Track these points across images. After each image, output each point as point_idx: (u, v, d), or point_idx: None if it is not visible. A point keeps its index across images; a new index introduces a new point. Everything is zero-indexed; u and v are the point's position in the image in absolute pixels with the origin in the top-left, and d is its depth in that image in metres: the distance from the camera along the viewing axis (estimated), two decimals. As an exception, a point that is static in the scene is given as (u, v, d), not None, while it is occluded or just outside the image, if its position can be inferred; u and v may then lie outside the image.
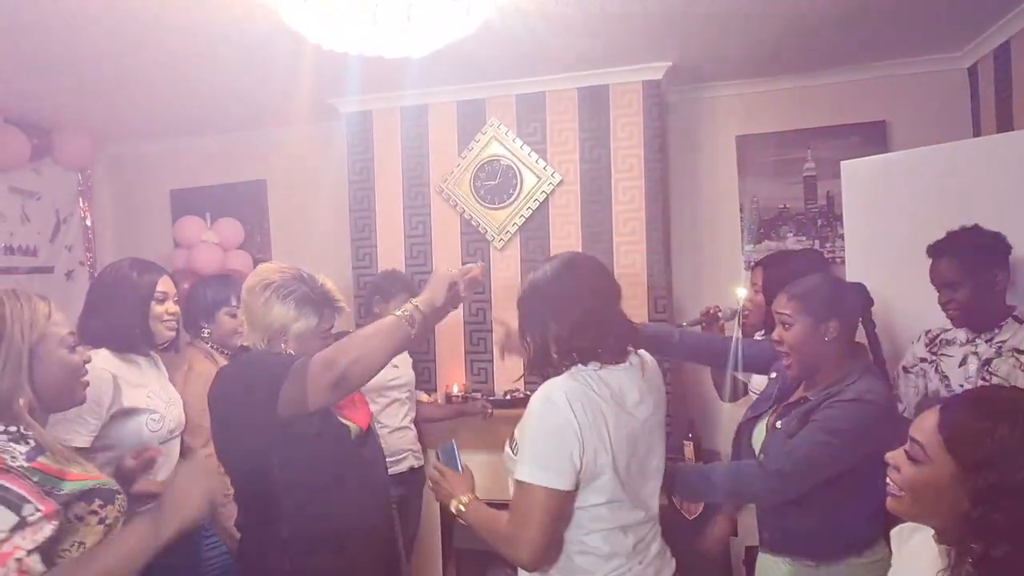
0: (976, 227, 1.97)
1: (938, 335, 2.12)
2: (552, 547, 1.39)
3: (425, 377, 3.32)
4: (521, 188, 3.19)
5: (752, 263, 2.65)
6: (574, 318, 1.43)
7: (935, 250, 2.00)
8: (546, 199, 3.18)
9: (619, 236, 3.11)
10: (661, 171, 3.11)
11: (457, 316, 3.29)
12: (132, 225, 4.01)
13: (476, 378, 3.29)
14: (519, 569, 1.47)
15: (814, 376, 1.72)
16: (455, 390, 3.24)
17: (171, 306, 2.14)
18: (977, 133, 2.98)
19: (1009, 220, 2.00)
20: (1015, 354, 1.90)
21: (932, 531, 1.12)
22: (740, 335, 2.36)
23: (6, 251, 3.41)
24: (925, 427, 1.07)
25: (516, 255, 3.24)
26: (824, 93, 3.20)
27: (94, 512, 1.28)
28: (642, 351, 1.56)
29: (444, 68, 2.87)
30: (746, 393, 2.49)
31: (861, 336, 1.86)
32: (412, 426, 2.96)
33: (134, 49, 2.57)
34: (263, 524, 1.68)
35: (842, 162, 2.56)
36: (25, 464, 1.22)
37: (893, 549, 1.32)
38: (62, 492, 1.24)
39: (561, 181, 3.16)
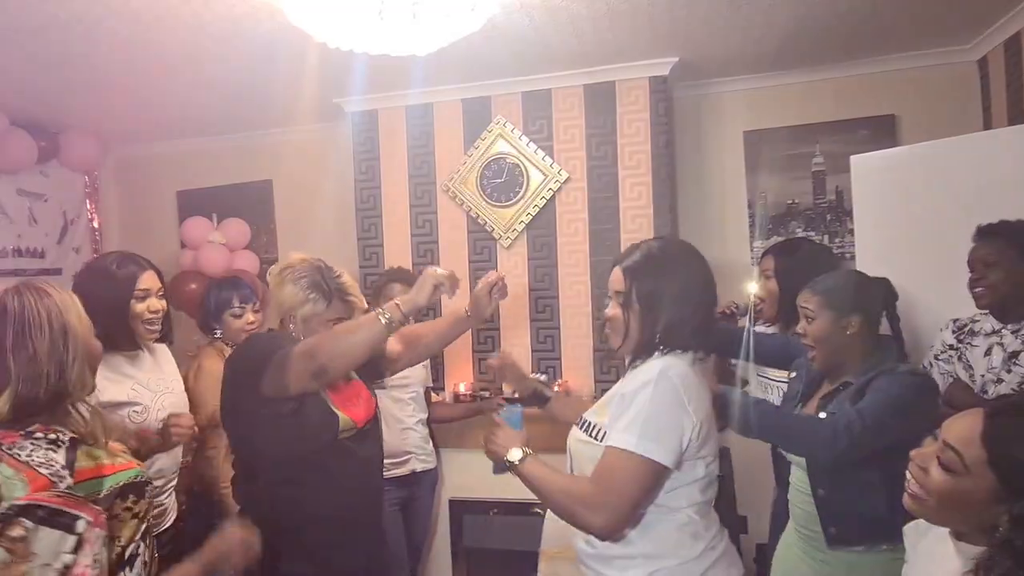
0: None
1: (965, 324, 2.13)
2: (631, 519, 1.40)
3: (433, 376, 3.30)
4: (528, 186, 3.18)
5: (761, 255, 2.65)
6: (695, 302, 1.46)
7: (985, 231, 2.01)
8: (553, 196, 3.17)
9: (626, 233, 3.10)
10: (668, 167, 3.09)
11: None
12: (139, 226, 4.02)
13: (484, 376, 3.28)
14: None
15: (839, 368, 1.76)
16: (463, 389, 3.23)
17: (154, 303, 2.05)
18: (988, 126, 2.96)
19: (1021, 213, 1.99)
20: None
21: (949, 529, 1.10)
22: (752, 328, 2.37)
23: (14, 253, 3.42)
24: (964, 435, 0.99)
25: (523, 253, 3.23)
26: (832, 87, 3.17)
27: (128, 508, 1.29)
28: None
29: (449, 66, 2.86)
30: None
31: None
32: (419, 427, 2.92)
33: (140, 50, 2.57)
34: (250, 500, 1.78)
35: (852, 156, 2.54)
36: (71, 482, 1.22)
37: (907, 545, 1.31)
38: (102, 495, 1.25)
39: (568, 178, 3.15)
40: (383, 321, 1.63)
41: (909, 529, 1.29)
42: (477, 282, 3.28)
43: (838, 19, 2.60)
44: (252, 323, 2.48)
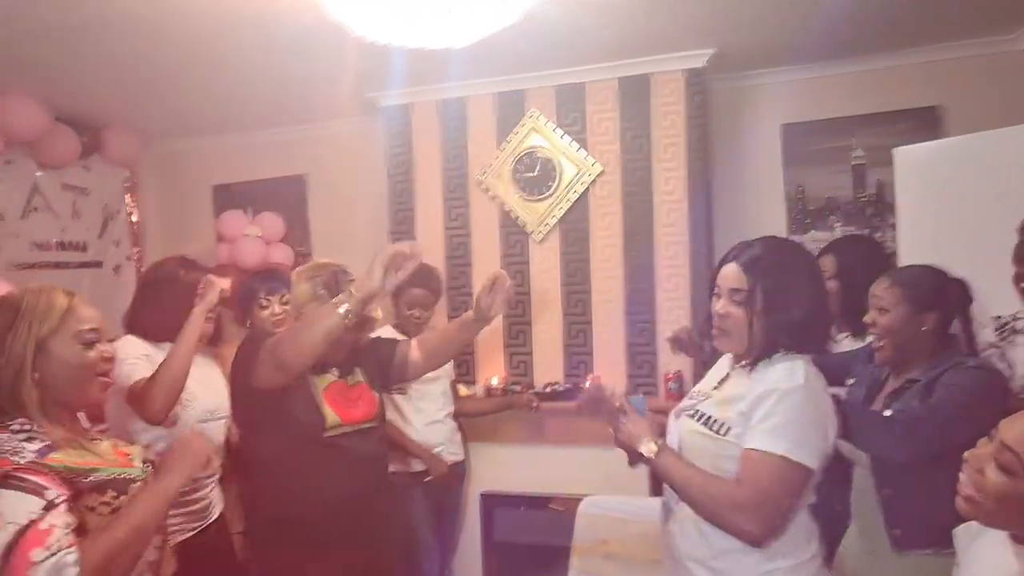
0: None
1: (1007, 322, 2.07)
2: (782, 527, 1.40)
3: (464, 370, 3.32)
4: (561, 179, 3.17)
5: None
6: (818, 301, 1.48)
7: None
8: (586, 190, 3.15)
9: (660, 227, 3.07)
10: (704, 161, 3.05)
11: (496, 309, 3.28)
12: (177, 220, 4.09)
13: (516, 371, 3.28)
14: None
15: (906, 365, 1.72)
16: (494, 383, 3.23)
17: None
18: (1036, 117, 2.86)
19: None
20: None
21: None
22: None
23: (58, 247, 3.51)
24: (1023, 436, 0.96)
25: (556, 247, 3.22)
26: (873, 78, 3.10)
27: (107, 503, 1.31)
28: None
29: (483, 59, 2.86)
30: None
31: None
32: (448, 420, 2.95)
33: (180, 47, 2.62)
34: (248, 488, 1.95)
35: (895, 149, 2.48)
36: (35, 459, 1.23)
37: (958, 548, 1.27)
38: (79, 480, 1.27)
39: (602, 172, 3.13)
40: (340, 312, 1.65)
41: (960, 531, 1.25)
42: (509, 276, 3.30)
43: (879, 8, 2.54)
44: (279, 315, 2.51)
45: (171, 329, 2.01)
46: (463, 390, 3.22)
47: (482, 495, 3.25)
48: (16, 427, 1.29)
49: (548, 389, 3.15)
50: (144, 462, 1.47)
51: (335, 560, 1.84)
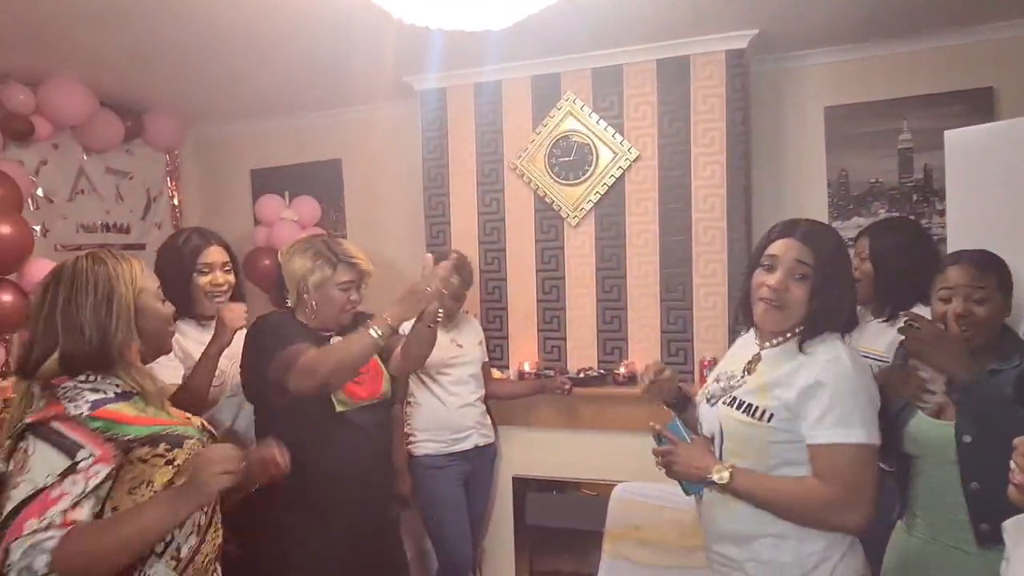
0: None
1: None
2: (877, 504, 1.44)
3: (497, 354, 3.33)
4: (597, 164, 3.13)
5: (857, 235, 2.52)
6: (854, 287, 1.57)
7: None
8: (622, 175, 3.11)
9: (698, 213, 3.02)
10: (744, 145, 2.98)
11: (530, 294, 3.28)
12: (216, 204, 4.16)
13: (549, 356, 3.28)
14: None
15: (984, 355, 1.65)
16: (527, 367, 3.23)
17: (218, 276, 2.18)
18: (1097, 99, 2.74)
19: None
20: None
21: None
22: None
23: (103, 228, 3.60)
24: None
25: (591, 232, 3.19)
26: (923, 59, 2.99)
27: (160, 455, 1.36)
28: None
29: (519, 42, 2.83)
30: None
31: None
32: (478, 403, 2.99)
33: (220, 32, 2.64)
34: None
35: (946, 132, 2.38)
36: (86, 413, 1.30)
37: (1008, 542, 1.24)
38: (125, 437, 1.32)
39: (638, 156, 3.09)
40: (374, 336, 1.83)
41: (1010, 525, 1.23)
42: (543, 261, 3.28)
43: (933, -15, 2.45)
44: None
45: (179, 304, 2.02)
46: (496, 374, 3.24)
47: (514, 479, 3.27)
48: (83, 378, 1.36)
49: (581, 374, 3.14)
50: (202, 429, 1.53)
51: (337, 528, 1.98)
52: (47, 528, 1.19)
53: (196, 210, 4.15)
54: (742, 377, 1.57)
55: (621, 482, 2.84)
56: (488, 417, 3.07)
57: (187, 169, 4.13)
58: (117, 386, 1.38)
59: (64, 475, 1.23)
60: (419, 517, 2.96)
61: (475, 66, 3.18)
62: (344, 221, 3.94)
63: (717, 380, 1.65)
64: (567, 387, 3.03)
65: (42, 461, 1.24)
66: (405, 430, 2.90)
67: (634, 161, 3.09)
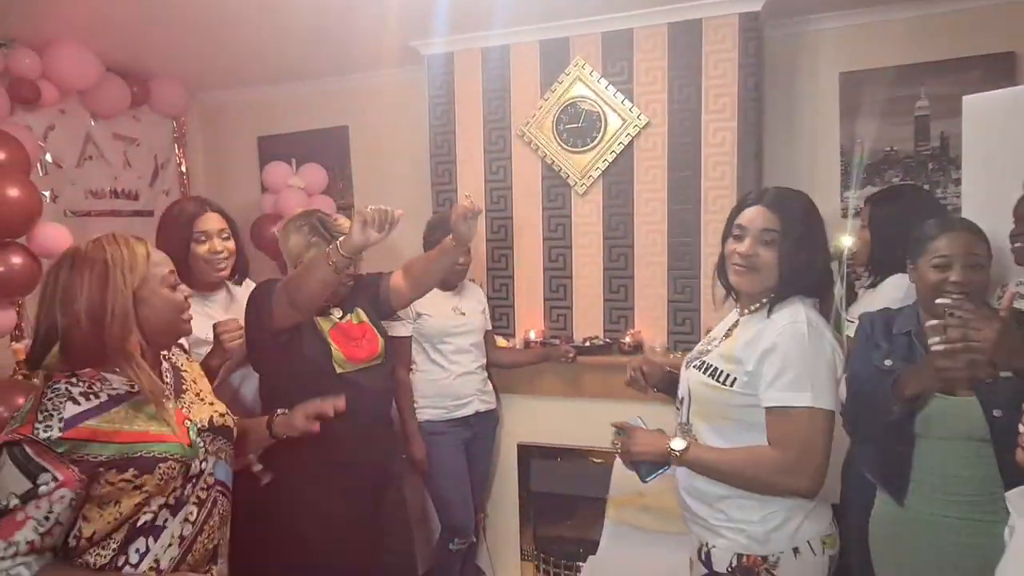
0: None
1: None
2: (827, 470, 1.45)
3: (503, 323, 3.32)
4: (605, 131, 3.09)
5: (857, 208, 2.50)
6: (828, 250, 1.56)
7: None
8: (631, 142, 3.07)
9: (708, 181, 2.98)
10: (756, 112, 2.92)
11: (536, 262, 3.26)
12: (223, 171, 4.15)
13: (555, 324, 3.27)
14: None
15: None
16: (533, 336, 3.23)
17: (216, 244, 2.16)
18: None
19: None
20: None
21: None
22: (843, 286, 2.27)
23: (111, 195, 3.60)
24: None
25: (599, 200, 3.16)
26: (942, 23, 2.89)
27: (128, 480, 1.31)
28: None
29: (528, 5, 2.78)
30: None
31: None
32: (479, 371, 3.01)
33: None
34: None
35: (964, 97, 2.32)
36: (56, 435, 1.24)
37: (1013, 512, 1.23)
38: (95, 459, 1.27)
39: (647, 123, 3.03)
40: (330, 264, 1.84)
41: (1015, 494, 1.22)
42: (549, 229, 3.26)
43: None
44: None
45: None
46: (501, 342, 3.24)
47: (519, 446, 3.29)
48: (76, 380, 1.32)
49: (587, 343, 3.13)
50: (202, 431, 1.45)
51: (339, 483, 2.05)
52: (14, 556, 1.19)
53: (204, 177, 4.14)
54: (719, 343, 1.61)
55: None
56: (489, 384, 3.09)
57: (193, 137, 4.11)
58: (115, 386, 1.35)
59: (25, 499, 1.21)
60: (421, 482, 2.99)
61: (482, 30, 3.12)
62: (351, 188, 3.92)
63: (703, 343, 1.70)
64: (571, 355, 3.03)
65: (7, 480, 1.22)
66: (407, 395, 2.93)
67: (643, 128, 3.04)
